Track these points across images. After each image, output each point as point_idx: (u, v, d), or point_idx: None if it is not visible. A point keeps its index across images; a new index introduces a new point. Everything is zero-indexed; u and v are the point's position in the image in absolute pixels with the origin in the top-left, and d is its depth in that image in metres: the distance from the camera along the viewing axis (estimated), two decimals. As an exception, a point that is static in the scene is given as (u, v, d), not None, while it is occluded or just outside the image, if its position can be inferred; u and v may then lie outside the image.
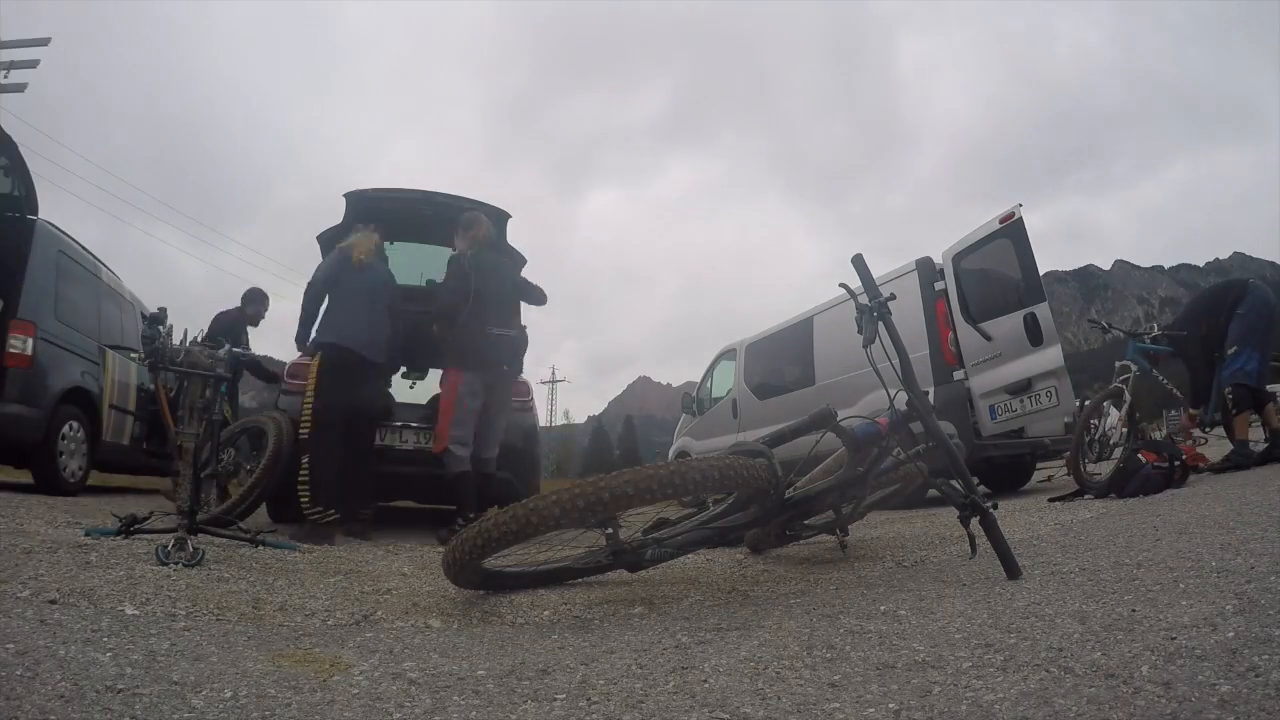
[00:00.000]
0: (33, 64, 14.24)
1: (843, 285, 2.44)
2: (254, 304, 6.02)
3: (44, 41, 14.62)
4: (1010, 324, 5.10)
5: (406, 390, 5.78)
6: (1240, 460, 4.19)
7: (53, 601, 1.63)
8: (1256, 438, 4.43)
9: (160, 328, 3.04)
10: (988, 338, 5.15)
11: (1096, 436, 4.61)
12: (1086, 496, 4.01)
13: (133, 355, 2.90)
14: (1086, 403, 6.17)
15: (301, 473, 3.51)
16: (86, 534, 2.63)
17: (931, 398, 5.21)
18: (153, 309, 3.17)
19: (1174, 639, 1.14)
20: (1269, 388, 4.49)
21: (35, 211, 4.85)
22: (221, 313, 5.88)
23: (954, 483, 2.08)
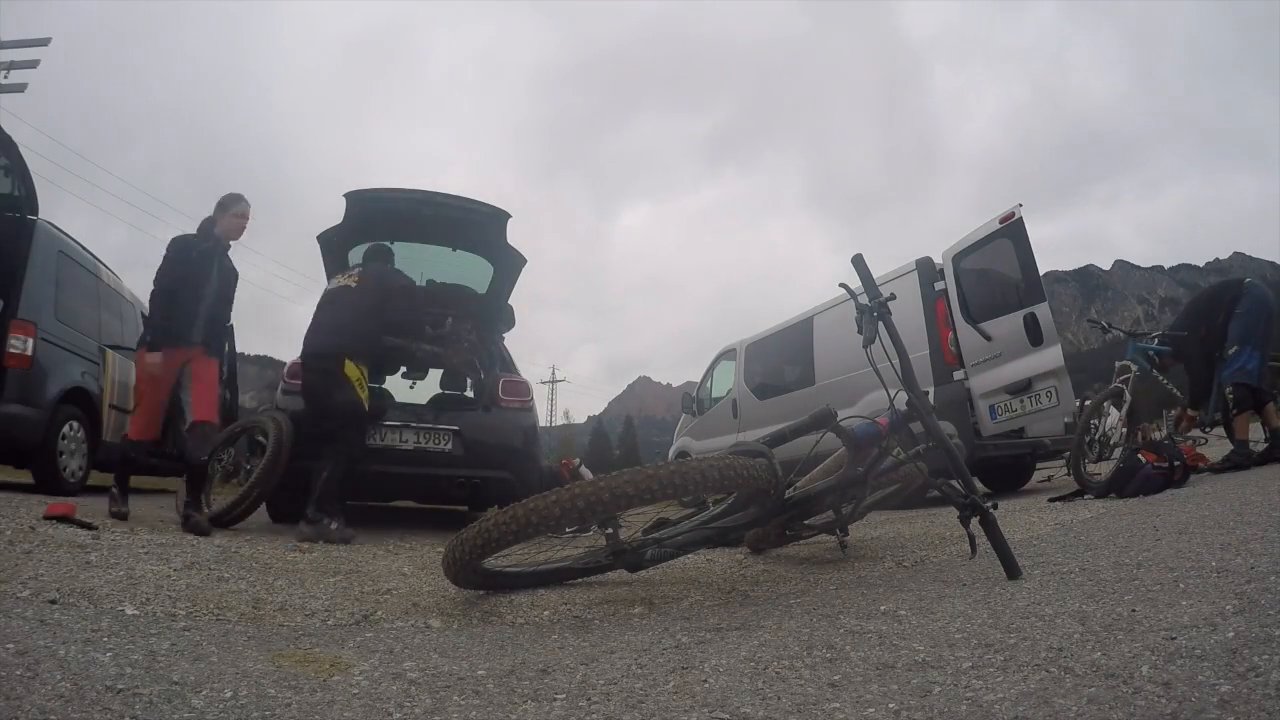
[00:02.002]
0: (33, 64, 14.24)
1: (843, 285, 2.44)
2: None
3: (44, 41, 14.62)
4: (1010, 324, 5.10)
5: (407, 390, 5.78)
6: (1240, 460, 4.20)
7: (53, 601, 1.63)
8: (1257, 438, 4.43)
9: None
10: (988, 338, 5.15)
11: (1097, 436, 4.61)
12: (1086, 496, 4.01)
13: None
14: (1086, 403, 6.16)
15: None
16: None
17: (931, 398, 5.21)
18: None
19: (1174, 639, 1.13)
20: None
21: (35, 211, 4.85)
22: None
23: (954, 483, 2.07)
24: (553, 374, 56.59)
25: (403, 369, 5.95)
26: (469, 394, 5.62)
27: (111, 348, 5.60)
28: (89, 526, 2.84)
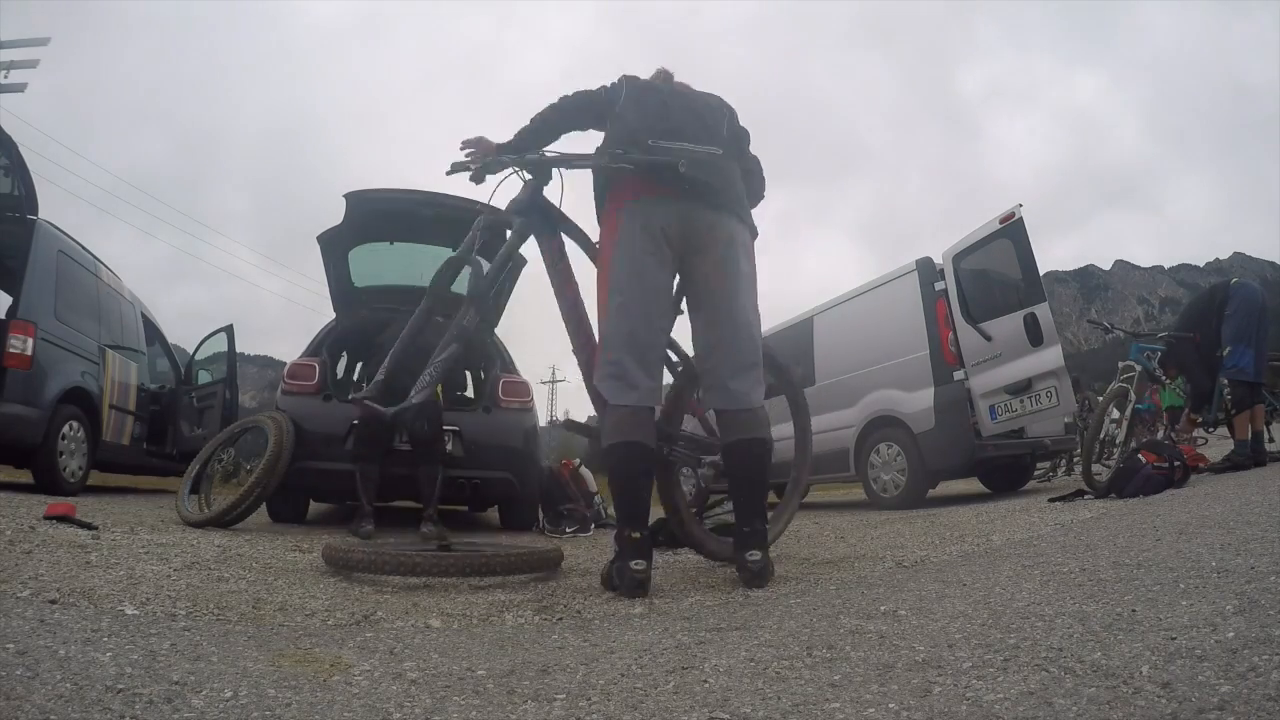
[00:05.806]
0: (33, 64, 14.23)
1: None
2: None
3: (44, 41, 14.61)
4: (1010, 324, 5.10)
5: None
6: (1240, 460, 4.21)
7: (53, 601, 1.63)
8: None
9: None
10: (988, 338, 5.15)
11: (1102, 437, 4.63)
12: (1086, 496, 4.01)
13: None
14: (1087, 402, 6.14)
15: None
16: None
17: (932, 398, 5.22)
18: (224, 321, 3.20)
19: (1174, 639, 1.13)
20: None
21: (35, 211, 4.85)
22: None
23: None
24: (553, 374, 56.42)
25: None
26: (469, 394, 5.61)
27: (111, 348, 5.60)
28: (89, 526, 2.84)
